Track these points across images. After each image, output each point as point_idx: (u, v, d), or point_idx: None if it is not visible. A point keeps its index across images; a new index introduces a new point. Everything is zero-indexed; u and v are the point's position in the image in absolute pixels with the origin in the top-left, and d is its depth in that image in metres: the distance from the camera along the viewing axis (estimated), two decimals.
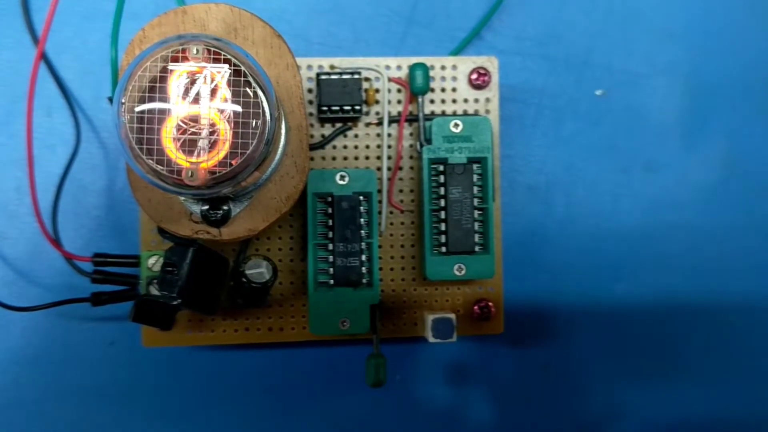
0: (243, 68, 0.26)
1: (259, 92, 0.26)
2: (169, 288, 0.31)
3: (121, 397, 0.37)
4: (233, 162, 0.26)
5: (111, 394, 0.37)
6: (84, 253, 0.35)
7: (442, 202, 0.35)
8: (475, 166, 0.35)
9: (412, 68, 0.36)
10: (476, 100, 0.37)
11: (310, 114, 0.36)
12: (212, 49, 0.26)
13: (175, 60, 0.26)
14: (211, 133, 0.26)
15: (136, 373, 0.37)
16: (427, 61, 0.36)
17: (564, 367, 0.40)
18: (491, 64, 0.37)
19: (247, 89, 0.26)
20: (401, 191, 0.37)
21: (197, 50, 0.26)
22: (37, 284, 0.37)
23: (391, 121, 0.37)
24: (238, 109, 0.26)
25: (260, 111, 0.26)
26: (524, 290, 0.39)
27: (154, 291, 0.32)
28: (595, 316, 0.40)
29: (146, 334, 0.35)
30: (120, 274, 0.35)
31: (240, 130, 0.26)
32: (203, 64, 0.26)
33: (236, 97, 0.26)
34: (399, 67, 0.37)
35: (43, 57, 0.37)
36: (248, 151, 0.26)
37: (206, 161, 0.26)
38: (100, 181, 0.37)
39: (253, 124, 0.26)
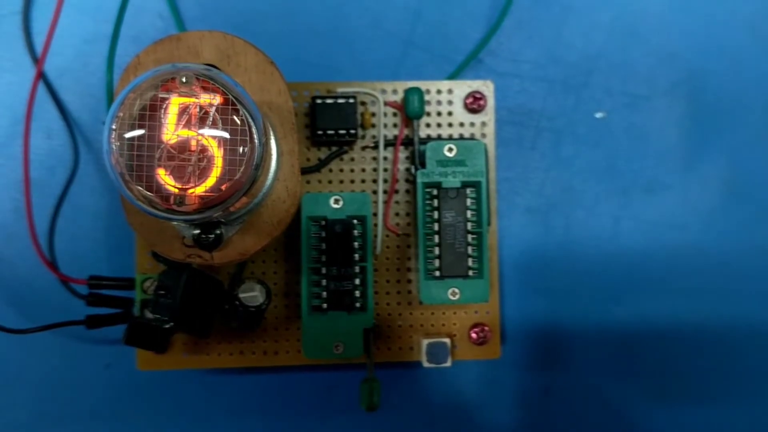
0: (231, 96, 0.26)
1: (248, 119, 0.27)
2: (162, 311, 0.31)
3: (116, 419, 0.37)
4: (222, 187, 0.27)
5: (106, 417, 0.37)
6: (81, 275, 0.35)
7: (436, 226, 0.34)
8: (468, 190, 0.35)
9: (408, 92, 0.36)
10: (472, 124, 0.37)
11: (306, 138, 0.36)
12: (202, 78, 0.26)
13: (166, 88, 0.26)
14: (200, 160, 0.26)
15: (131, 395, 0.37)
16: (423, 85, 0.36)
17: (565, 393, 0.39)
18: (487, 88, 0.37)
19: (235, 117, 0.27)
20: (397, 214, 0.37)
21: (186, 79, 0.26)
22: (33, 306, 0.37)
23: (387, 144, 0.37)
24: (227, 135, 0.27)
25: (247, 138, 0.27)
26: (523, 314, 0.39)
27: (148, 314, 0.32)
28: (595, 340, 0.39)
29: (141, 357, 0.36)
30: (115, 296, 0.35)
31: (228, 157, 0.26)
32: (193, 92, 0.26)
33: (225, 124, 0.27)
34: (395, 91, 0.37)
35: (44, 80, 0.38)
36: (236, 177, 0.26)
37: (195, 187, 0.26)
38: (98, 204, 0.37)
39: (241, 150, 0.26)
